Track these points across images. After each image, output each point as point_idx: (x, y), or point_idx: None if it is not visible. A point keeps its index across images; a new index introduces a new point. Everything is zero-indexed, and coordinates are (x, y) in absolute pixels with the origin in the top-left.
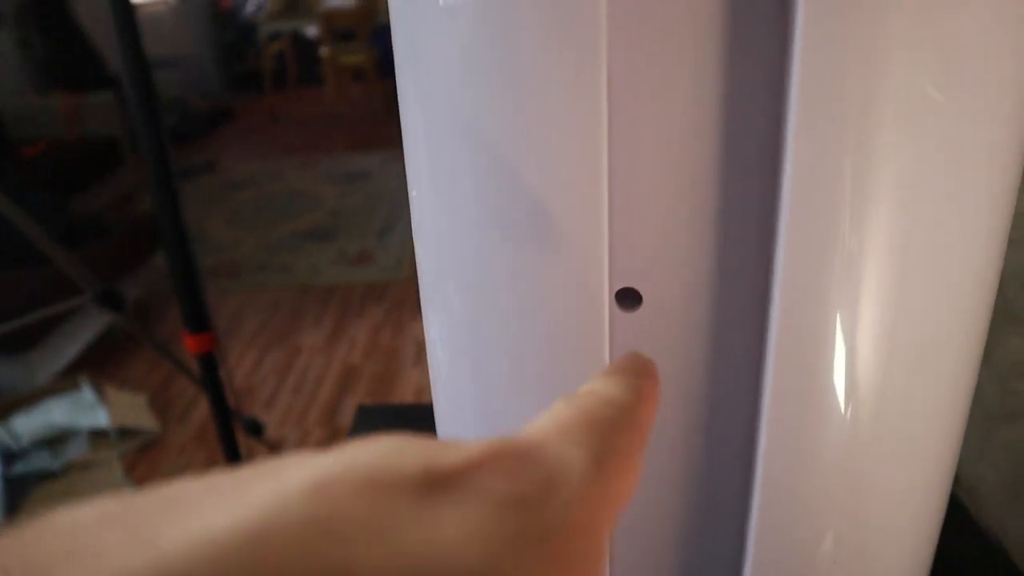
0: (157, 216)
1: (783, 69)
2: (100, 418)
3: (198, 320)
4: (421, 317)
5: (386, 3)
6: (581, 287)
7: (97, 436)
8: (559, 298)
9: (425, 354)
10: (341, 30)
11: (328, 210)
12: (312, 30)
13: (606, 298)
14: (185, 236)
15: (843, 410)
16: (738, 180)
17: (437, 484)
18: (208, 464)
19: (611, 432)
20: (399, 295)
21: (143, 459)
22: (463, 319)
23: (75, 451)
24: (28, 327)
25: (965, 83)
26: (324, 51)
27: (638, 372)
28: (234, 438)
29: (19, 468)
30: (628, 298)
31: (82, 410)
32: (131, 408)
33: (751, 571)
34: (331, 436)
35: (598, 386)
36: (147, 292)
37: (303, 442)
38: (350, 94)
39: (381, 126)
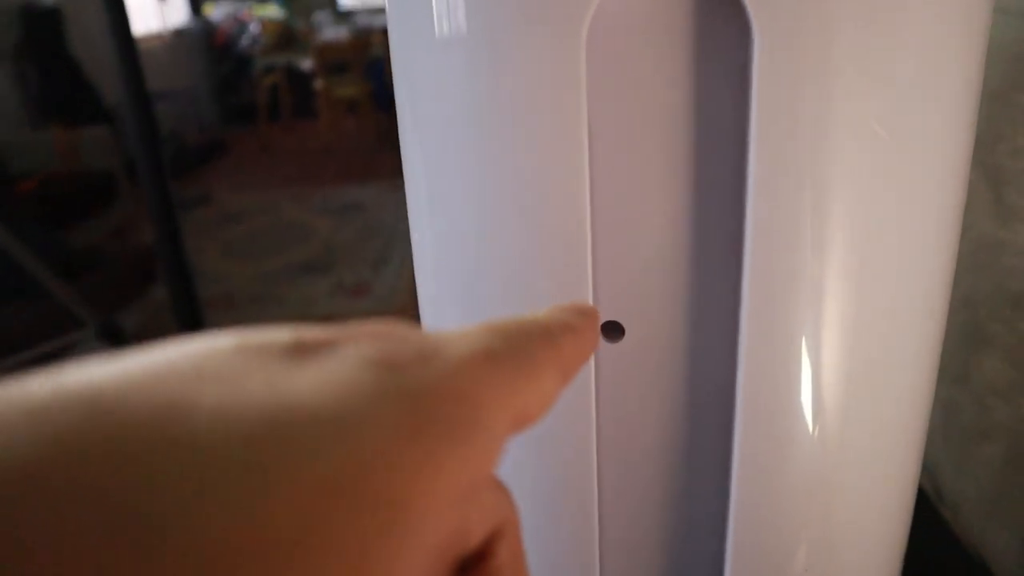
0: (157, 248)
1: (744, 131)
2: None
3: None
4: None
5: (380, 37)
6: None
7: None
8: None
9: None
10: (335, 63)
11: (323, 242)
12: (306, 63)
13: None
14: (187, 268)
15: (810, 428)
16: (708, 225)
17: (307, 349)
18: None
19: (518, 336)
20: None
21: None
22: None
23: None
24: (27, 362)
25: (910, 120)
26: (318, 84)
27: (576, 311)
28: None
29: None
30: (612, 330)
31: None
32: None
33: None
34: None
35: (534, 314)
36: (143, 326)
37: None
38: (344, 127)
39: (375, 158)
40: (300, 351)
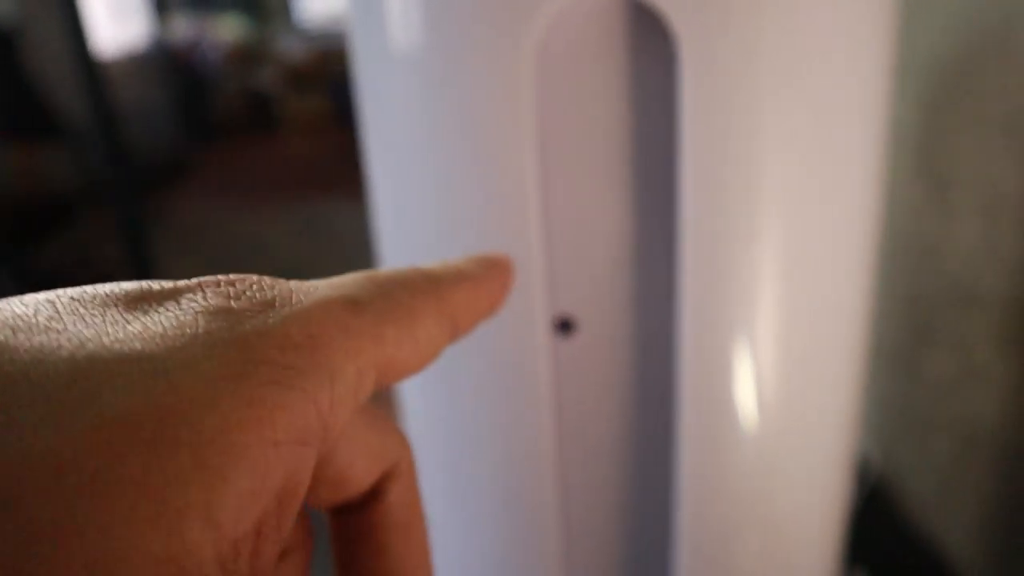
0: (125, 267)
1: (677, 151)
2: None
3: None
4: None
5: (342, 55)
6: (521, 317)
7: None
8: (502, 329)
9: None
10: (297, 80)
11: (286, 257)
12: (268, 80)
13: (544, 326)
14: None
15: (749, 415)
16: (650, 229)
17: (151, 298)
18: None
19: (392, 284)
20: None
21: None
22: None
23: None
24: None
25: (825, 129)
26: (280, 101)
27: (481, 261)
28: None
29: None
30: (567, 326)
31: None
32: None
33: (682, 557)
34: None
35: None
36: None
37: None
38: (306, 144)
39: (338, 175)
40: (143, 300)
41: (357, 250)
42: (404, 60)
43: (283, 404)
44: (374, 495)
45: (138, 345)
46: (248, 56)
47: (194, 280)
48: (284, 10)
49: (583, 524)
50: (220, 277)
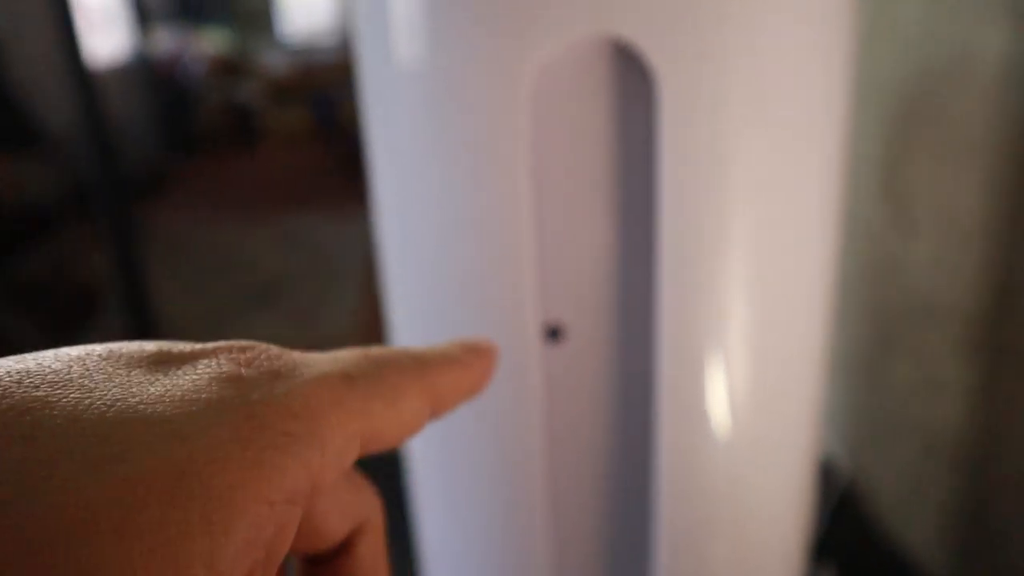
0: (114, 281)
1: (656, 174)
2: None
3: None
4: None
5: (325, 69)
6: (513, 325)
7: None
8: (496, 335)
9: None
10: (280, 94)
11: (270, 271)
12: (250, 94)
13: (535, 333)
14: (144, 294)
15: (722, 418)
16: (633, 245)
17: (170, 360)
18: None
19: (382, 364)
20: None
21: None
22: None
23: None
24: None
25: (790, 155)
26: (262, 115)
27: (467, 347)
28: None
29: None
30: (556, 333)
31: None
32: None
33: (660, 545)
34: None
35: (426, 347)
36: None
37: None
38: (288, 157)
39: (320, 189)
40: (163, 362)
41: (337, 263)
42: (410, 78)
43: (281, 467)
44: (345, 547)
45: (159, 408)
46: (230, 69)
47: (211, 345)
48: (267, 25)
49: (570, 520)
50: (234, 344)
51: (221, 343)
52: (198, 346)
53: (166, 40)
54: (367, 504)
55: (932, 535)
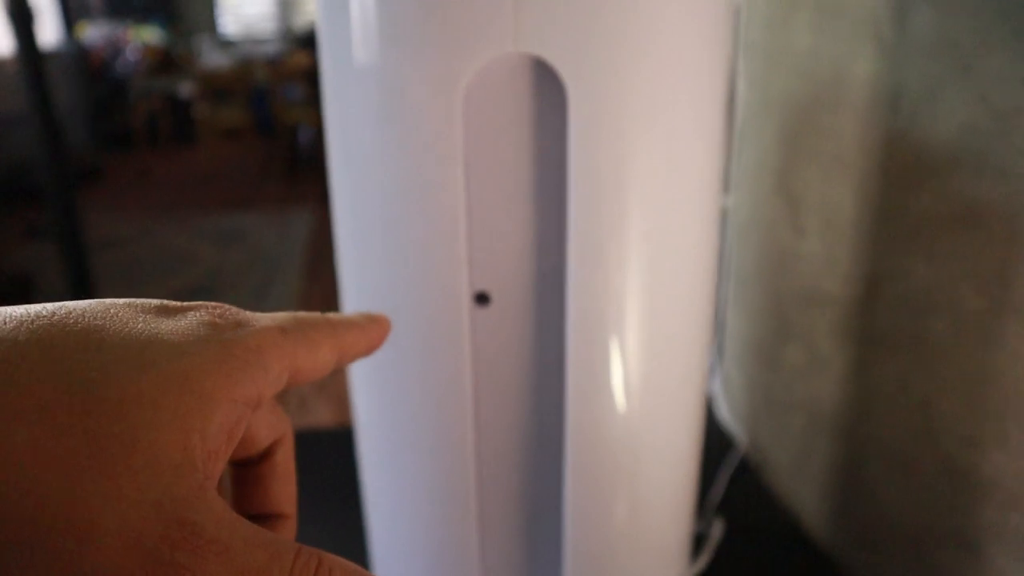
0: (65, 267)
1: (567, 167)
2: None
3: None
4: None
5: (263, 65)
6: (448, 291)
7: None
8: (434, 299)
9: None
10: (217, 90)
11: (204, 269)
12: (187, 89)
13: (466, 298)
14: (88, 287)
15: (620, 390)
16: (547, 231)
17: (169, 310)
18: None
19: (306, 322)
20: None
21: None
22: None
23: None
24: None
25: (680, 158)
26: (199, 111)
27: (367, 316)
28: None
29: None
30: (483, 298)
31: None
32: None
33: (568, 502)
34: None
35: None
36: None
37: None
38: (225, 153)
39: (257, 186)
40: (164, 310)
41: (272, 259)
42: (362, 84)
43: (241, 381)
44: (266, 454)
45: (170, 337)
46: (167, 64)
47: (196, 303)
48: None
49: (495, 466)
50: (209, 303)
51: (201, 302)
52: (185, 303)
53: (99, 31)
54: (284, 422)
55: (815, 495)
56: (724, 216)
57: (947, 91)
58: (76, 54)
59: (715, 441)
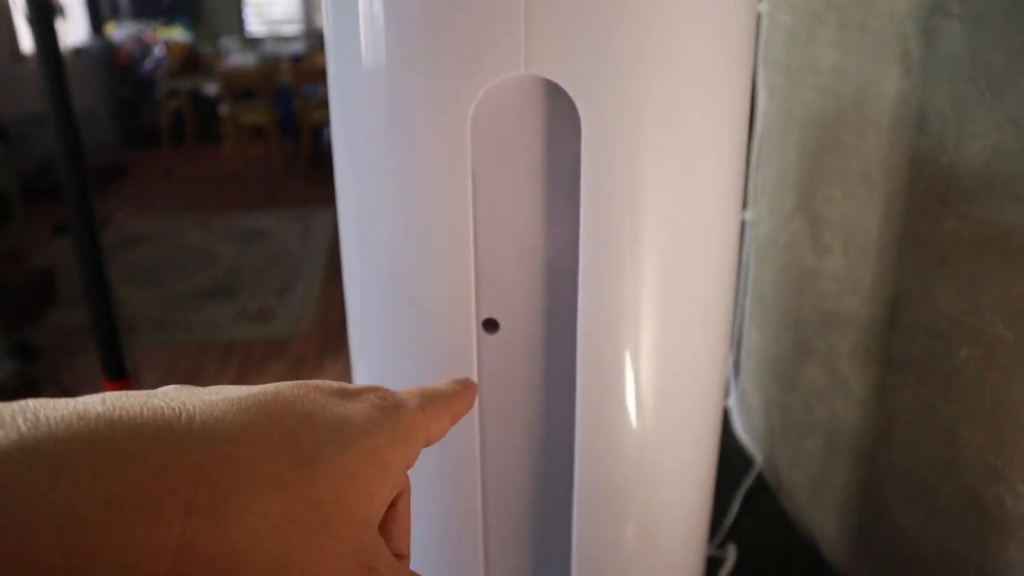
0: (80, 265)
1: (580, 192)
2: None
3: (117, 369)
4: (324, 370)
5: (288, 65)
6: (456, 318)
7: None
8: (442, 327)
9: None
10: (242, 89)
11: (227, 268)
12: (212, 88)
13: (474, 324)
14: (106, 285)
15: (632, 410)
16: (558, 257)
17: (348, 393)
18: None
19: (434, 398)
20: (299, 351)
21: None
22: (377, 324)
23: None
24: None
25: (694, 177)
26: (224, 109)
27: (462, 384)
28: None
29: None
30: (490, 325)
31: None
32: None
33: (577, 524)
34: None
35: (441, 383)
36: (49, 346)
37: None
38: (249, 153)
39: (280, 186)
40: (345, 394)
41: (294, 259)
42: (372, 96)
43: (404, 453)
44: (391, 503)
45: (356, 419)
46: (192, 63)
47: (364, 386)
48: (232, 21)
49: (503, 491)
50: (375, 387)
51: (368, 387)
52: (357, 388)
53: (126, 30)
54: (404, 478)
55: (833, 520)
56: (741, 231)
57: (976, 112)
58: (103, 53)
59: (730, 458)
